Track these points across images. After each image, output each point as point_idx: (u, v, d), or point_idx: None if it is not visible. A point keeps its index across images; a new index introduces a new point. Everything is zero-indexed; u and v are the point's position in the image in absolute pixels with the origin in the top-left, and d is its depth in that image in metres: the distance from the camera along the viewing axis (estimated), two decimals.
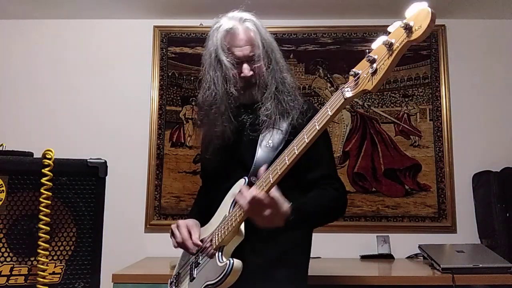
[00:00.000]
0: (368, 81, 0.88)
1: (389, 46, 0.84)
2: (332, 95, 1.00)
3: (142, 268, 2.08)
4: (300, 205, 1.16)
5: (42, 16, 2.71)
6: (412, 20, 0.82)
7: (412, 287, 1.87)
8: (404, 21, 0.82)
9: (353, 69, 0.94)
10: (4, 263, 1.00)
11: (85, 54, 2.72)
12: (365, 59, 0.90)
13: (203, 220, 1.39)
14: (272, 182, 1.08)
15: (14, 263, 1.01)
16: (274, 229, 1.30)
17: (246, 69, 1.30)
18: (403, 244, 2.41)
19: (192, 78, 2.66)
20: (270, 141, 1.28)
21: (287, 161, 1.06)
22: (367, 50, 0.90)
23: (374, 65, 0.87)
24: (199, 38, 2.68)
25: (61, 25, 2.74)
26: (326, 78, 2.65)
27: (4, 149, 1.07)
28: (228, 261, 1.15)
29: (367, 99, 2.61)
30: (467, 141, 2.56)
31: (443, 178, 2.53)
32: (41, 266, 1.01)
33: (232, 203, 1.25)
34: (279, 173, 1.06)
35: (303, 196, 1.26)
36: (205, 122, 1.40)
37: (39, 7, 2.61)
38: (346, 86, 0.96)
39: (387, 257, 2.36)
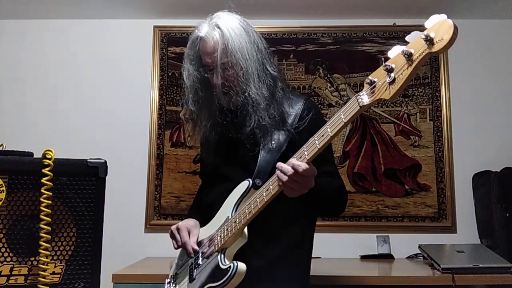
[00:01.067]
0: (386, 90, 0.88)
1: (408, 56, 0.83)
2: (346, 102, 0.99)
3: (142, 268, 2.09)
4: (318, 179, 1.17)
5: (41, 16, 2.71)
6: (433, 31, 0.81)
7: (412, 287, 1.87)
8: (425, 32, 0.81)
9: (369, 77, 0.93)
10: (4, 263, 1.00)
11: (85, 54, 2.72)
12: (382, 67, 0.89)
13: (203, 220, 1.39)
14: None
15: (14, 263, 1.00)
16: (275, 230, 1.30)
17: (215, 77, 1.29)
18: (403, 244, 2.41)
19: None
20: (273, 142, 1.28)
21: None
22: (383, 58, 0.89)
23: (392, 75, 0.86)
24: None
25: (61, 25, 2.74)
26: (326, 78, 2.65)
27: (4, 149, 1.07)
28: (232, 264, 1.15)
29: None
30: (467, 141, 2.56)
31: (443, 178, 2.53)
32: (42, 266, 1.01)
33: (234, 205, 1.25)
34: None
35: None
36: (194, 123, 1.42)
37: (38, 7, 2.61)
38: (362, 94, 0.95)
39: (387, 257, 2.36)
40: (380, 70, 0.90)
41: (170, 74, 2.68)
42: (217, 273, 1.17)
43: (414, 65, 0.83)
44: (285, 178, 1.08)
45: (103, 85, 2.69)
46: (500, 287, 1.87)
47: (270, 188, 1.14)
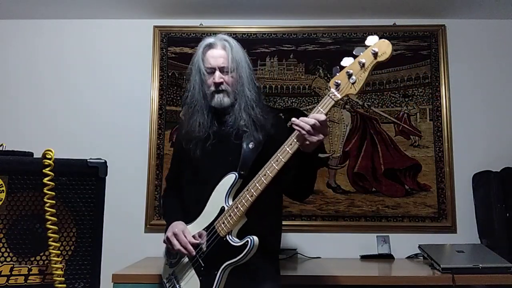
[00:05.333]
0: (351, 87, 1.29)
1: (362, 64, 1.27)
2: (322, 99, 1.33)
3: (142, 268, 2.08)
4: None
5: (41, 16, 2.71)
6: (376, 47, 1.25)
7: (412, 287, 1.87)
8: (372, 48, 1.25)
9: (335, 80, 1.30)
10: (4, 263, 1.00)
11: (85, 54, 2.72)
12: (344, 72, 1.29)
13: (186, 219, 1.54)
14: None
15: (14, 263, 1.01)
16: (250, 222, 1.44)
17: (217, 76, 1.56)
18: (403, 244, 2.41)
19: None
20: (251, 144, 1.50)
21: (289, 150, 1.34)
22: (337, 67, 1.30)
23: (354, 77, 1.27)
24: (199, 38, 2.65)
25: (61, 25, 2.74)
26: (326, 78, 2.65)
27: (4, 149, 1.07)
28: (249, 239, 1.32)
29: (367, 99, 2.61)
30: (467, 141, 2.56)
31: (443, 178, 2.53)
32: (55, 266, 1.01)
33: (226, 195, 1.42)
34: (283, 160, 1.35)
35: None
36: (186, 119, 1.63)
37: (38, 7, 2.61)
38: (332, 92, 1.31)
39: (387, 257, 2.36)
40: (342, 74, 1.29)
41: (170, 74, 2.68)
42: (232, 250, 1.34)
43: (368, 70, 1.27)
44: (307, 127, 1.28)
45: (103, 85, 2.69)
46: (500, 287, 1.88)
47: (286, 149, 1.32)
